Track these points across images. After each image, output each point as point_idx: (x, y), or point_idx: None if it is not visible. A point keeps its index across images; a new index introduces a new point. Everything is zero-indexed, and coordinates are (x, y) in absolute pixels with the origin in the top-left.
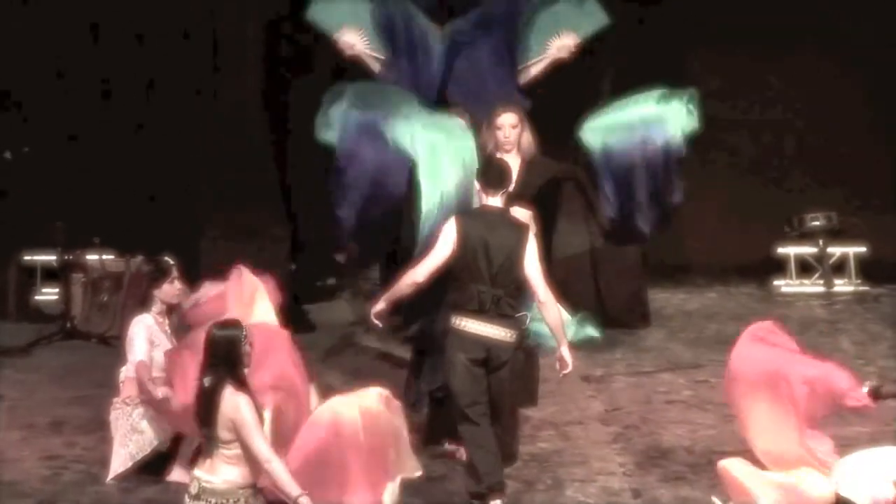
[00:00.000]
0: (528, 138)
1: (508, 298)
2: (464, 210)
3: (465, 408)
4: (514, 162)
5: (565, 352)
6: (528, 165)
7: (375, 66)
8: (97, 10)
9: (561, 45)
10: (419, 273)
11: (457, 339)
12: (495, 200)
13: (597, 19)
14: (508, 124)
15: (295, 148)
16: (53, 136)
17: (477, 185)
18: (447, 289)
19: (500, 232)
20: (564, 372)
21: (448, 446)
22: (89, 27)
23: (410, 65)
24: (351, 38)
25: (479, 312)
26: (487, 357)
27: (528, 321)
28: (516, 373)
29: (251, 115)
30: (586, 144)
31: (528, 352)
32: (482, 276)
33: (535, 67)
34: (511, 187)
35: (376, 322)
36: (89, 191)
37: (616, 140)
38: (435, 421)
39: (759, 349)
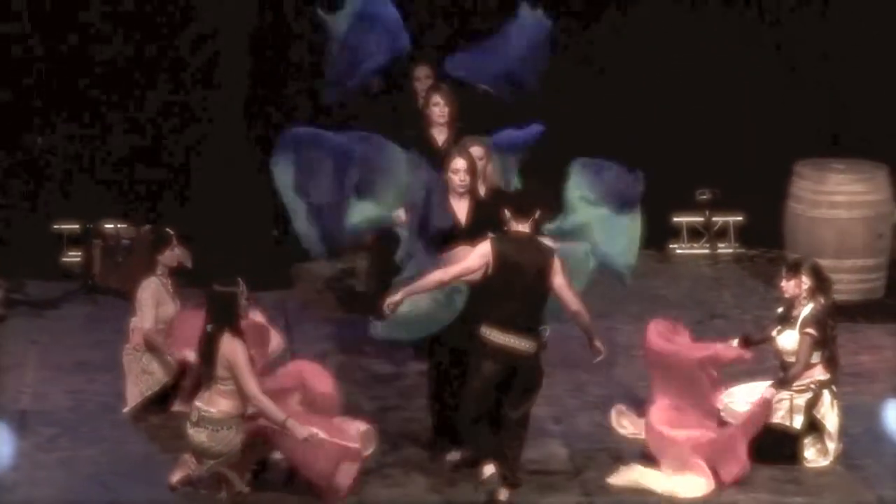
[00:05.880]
0: (489, 170)
1: (534, 313)
2: (497, 235)
3: (477, 408)
4: (465, 204)
5: (598, 344)
6: (479, 205)
7: None
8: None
9: None
10: (446, 275)
11: (485, 347)
12: (524, 226)
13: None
14: (462, 169)
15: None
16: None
17: (507, 213)
18: (478, 303)
19: (529, 255)
20: (598, 359)
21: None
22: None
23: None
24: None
25: (508, 326)
26: (510, 365)
27: (546, 334)
28: (532, 382)
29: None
30: None
31: None
32: (513, 294)
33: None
34: (538, 216)
35: (388, 311)
36: (108, 171)
37: None
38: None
39: (662, 342)
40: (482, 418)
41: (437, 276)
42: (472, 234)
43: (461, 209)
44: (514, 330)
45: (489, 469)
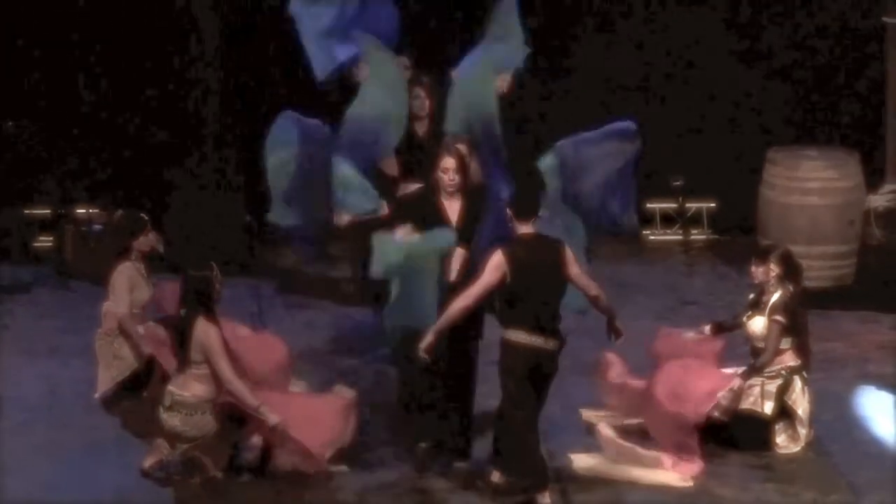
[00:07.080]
0: (473, 166)
1: (555, 311)
2: (505, 241)
3: (520, 412)
4: (456, 203)
5: (619, 325)
6: (471, 203)
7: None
8: None
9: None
10: (468, 300)
11: (512, 350)
12: (528, 227)
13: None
14: (452, 168)
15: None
16: (47, 111)
17: (509, 213)
18: (500, 309)
19: (541, 254)
20: (620, 341)
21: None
22: None
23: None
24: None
25: (533, 327)
26: (537, 365)
27: (566, 332)
28: (549, 380)
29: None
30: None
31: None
32: (534, 296)
33: None
34: (540, 213)
35: (425, 355)
36: (80, 156)
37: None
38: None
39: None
40: (534, 436)
41: (461, 303)
42: (465, 233)
43: (453, 209)
44: (538, 331)
45: (545, 500)
